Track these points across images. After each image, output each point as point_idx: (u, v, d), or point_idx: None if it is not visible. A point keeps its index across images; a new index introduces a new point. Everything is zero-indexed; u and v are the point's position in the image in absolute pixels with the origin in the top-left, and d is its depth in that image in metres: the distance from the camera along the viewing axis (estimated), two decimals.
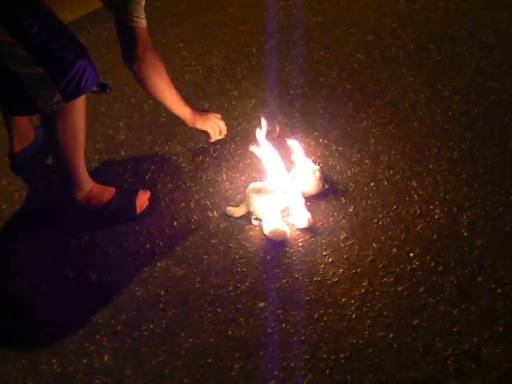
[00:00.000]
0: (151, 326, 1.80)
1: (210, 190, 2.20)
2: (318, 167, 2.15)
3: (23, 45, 1.58)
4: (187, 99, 2.47)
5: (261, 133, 2.14)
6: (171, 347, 1.74)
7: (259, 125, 2.19)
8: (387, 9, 3.17)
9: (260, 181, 2.14)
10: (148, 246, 2.02)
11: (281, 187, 2.05)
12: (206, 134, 2.32)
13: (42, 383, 1.70)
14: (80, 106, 1.79)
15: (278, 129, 2.30)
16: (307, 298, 1.83)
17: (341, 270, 1.90)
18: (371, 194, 2.13)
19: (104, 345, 1.77)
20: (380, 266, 1.90)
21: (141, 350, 1.75)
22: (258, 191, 2.03)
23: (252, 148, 2.16)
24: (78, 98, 1.74)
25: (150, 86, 2.03)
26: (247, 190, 2.06)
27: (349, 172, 2.22)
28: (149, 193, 2.13)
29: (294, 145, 2.19)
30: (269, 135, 2.17)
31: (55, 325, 1.85)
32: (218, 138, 2.33)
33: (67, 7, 3.46)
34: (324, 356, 1.68)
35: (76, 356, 1.76)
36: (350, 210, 2.08)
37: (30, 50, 1.60)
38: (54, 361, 1.75)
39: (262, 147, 2.12)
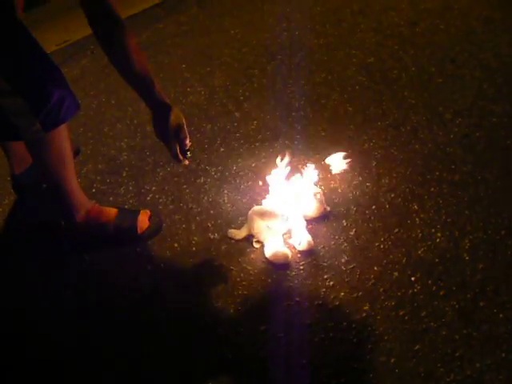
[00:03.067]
0: (152, 348, 1.79)
1: (212, 211, 2.20)
2: (320, 190, 2.15)
3: (3, 75, 1.58)
4: (189, 121, 2.49)
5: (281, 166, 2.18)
6: (173, 371, 1.73)
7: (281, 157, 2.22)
8: (389, 31, 3.19)
9: (262, 204, 2.13)
10: (149, 267, 2.02)
11: (283, 210, 2.05)
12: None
13: None
14: (62, 132, 1.80)
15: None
16: (308, 322, 1.82)
17: (342, 294, 1.89)
18: (372, 217, 2.13)
19: None
20: (381, 289, 1.89)
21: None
22: (260, 214, 2.03)
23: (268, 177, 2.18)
24: (57, 127, 1.74)
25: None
26: (249, 213, 2.06)
27: (350, 195, 2.22)
28: (149, 212, 2.13)
29: (310, 172, 2.22)
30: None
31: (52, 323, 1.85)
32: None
33: (71, 27, 3.49)
34: (325, 380, 1.67)
35: None
36: (352, 233, 2.08)
37: (9, 80, 1.60)
38: None
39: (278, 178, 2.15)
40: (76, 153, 2.26)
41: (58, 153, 1.84)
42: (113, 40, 1.61)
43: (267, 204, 2.12)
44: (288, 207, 2.08)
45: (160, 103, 1.72)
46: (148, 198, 2.28)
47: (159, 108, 1.74)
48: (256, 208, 2.08)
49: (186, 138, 1.83)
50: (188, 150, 1.85)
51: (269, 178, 2.19)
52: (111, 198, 2.29)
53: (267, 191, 2.18)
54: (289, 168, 2.20)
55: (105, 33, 1.60)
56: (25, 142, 1.84)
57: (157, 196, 2.28)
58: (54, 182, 1.93)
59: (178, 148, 1.83)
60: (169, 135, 1.80)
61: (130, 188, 2.33)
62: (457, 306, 1.83)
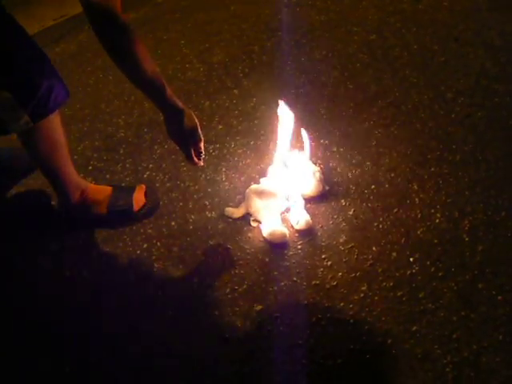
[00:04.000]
0: (148, 329, 1.78)
1: (209, 189, 2.17)
2: (319, 168, 2.12)
3: None
4: (187, 97, 2.47)
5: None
6: (168, 350, 1.72)
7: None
8: (391, 8, 3.14)
9: (260, 182, 2.10)
10: (145, 245, 2.00)
11: (281, 189, 2.02)
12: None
13: None
14: (54, 119, 1.75)
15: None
16: (305, 302, 1.80)
17: (340, 274, 1.87)
18: (372, 197, 2.11)
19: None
20: (379, 270, 1.88)
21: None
22: (258, 193, 2.01)
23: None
24: (46, 117, 1.70)
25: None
26: (247, 191, 2.04)
27: (349, 174, 2.20)
28: (144, 187, 2.09)
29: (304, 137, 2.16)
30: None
31: (47, 326, 1.83)
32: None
33: (68, 1, 3.43)
34: (321, 361, 1.66)
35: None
36: (350, 212, 2.06)
37: None
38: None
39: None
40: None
41: (50, 141, 1.80)
42: (122, 51, 1.50)
43: (265, 183, 2.09)
44: (286, 186, 2.05)
45: (172, 107, 1.64)
46: (145, 176, 2.25)
47: (171, 112, 1.66)
48: (254, 186, 2.06)
49: (200, 140, 1.78)
50: (202, 152, 1.82)
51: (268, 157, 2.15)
52: (108, 176, 2.26)
53: (266, 169, 2.15)
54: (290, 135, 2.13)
55: (113, 44, 1.48)
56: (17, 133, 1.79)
57: (154, 174, 2.25)
58: (48, 169, 1.90)
59: (192, 151, 1.79)
60: (183, 139, 1.76)
61: (127, 165, 2.30)
62: (455, 288, 1.81)
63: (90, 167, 2.31)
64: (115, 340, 1.75)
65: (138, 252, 1.99)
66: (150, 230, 2.05)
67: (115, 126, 2.50)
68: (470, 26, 2.96)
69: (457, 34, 2.91)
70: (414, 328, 1.72)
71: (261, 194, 2.01)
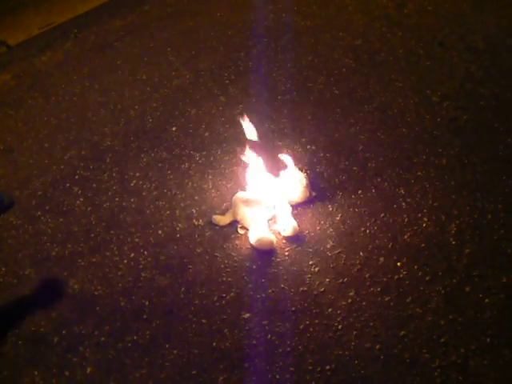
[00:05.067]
0: (135, 338, 1.77)
1: (196, 197, 2.17)
2: (305, 174, 2.12)
3: None
4: (174, 105, 2.46)
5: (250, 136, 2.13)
6: (155, 359, 1.71)
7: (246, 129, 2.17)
8: (376, 13, 3.15)
9: (246, 189, 2.10)
10: (132, 255, 2.00)
11: (267, 196, 2.02)
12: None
13: None
14: None
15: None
16: (293, 309, 1.80)
17: (327, 280, 1.87)
18: (359, 202, 2.11)
19: (87, 356, 1.74)
20: (367, 275, 1.88)
21: (124, 361, 1.72)
22: (245, 200, 2.01)
23: (243, 156, 2.12)
24: None
25: None
26: (234, 199, 2.04)
27: (336, 179, 2.20)
28: None
29: (285, 159, 2.16)
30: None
31: (36, 336, 1.81)
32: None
33: (55, 10, 3.43)
34: (310, 368, 1.65)
35: (58, 368, 1.73)
36: (337, 218, 2.06)
37: None
38: (35, 373, 1.73)
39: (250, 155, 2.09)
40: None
41: None
42: None
43: (252, 190, 2.09)
44: (272, 193, 2.05)
45: None
46: (132, 185, 2.24)
47: None
48: (240, 194, 2.06)
49: None
50: None
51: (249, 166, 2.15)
52: (94, 185, 2.25)
53: (251, 177, 2.14)
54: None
55: None
56: None
57: (140, 182, 2.25)
58: None
59: None
60: None
61: (114, 174, 2.29)
62: (442, 292, 1.81)
63: (77, 176, 2.30)
64: (100, 348, 1.74)
65: (125, 261, 1.98)
66: (137, 239, 2.05)
67: (101, 135, 2.50)
68: (455, 30, 2.97)
69: (441, 38, 2.92)
70: (402, 333, 1.72)
71: (247, 201, 2.01)
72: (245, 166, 2.17)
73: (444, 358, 1.65)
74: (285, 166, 2.15)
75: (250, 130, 2.15)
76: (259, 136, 2.21)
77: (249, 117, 2.26)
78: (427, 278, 1.86)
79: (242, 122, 2.15)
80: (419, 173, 2.21)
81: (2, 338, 1.81)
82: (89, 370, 1.72)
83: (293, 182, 2.08)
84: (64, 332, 1.81)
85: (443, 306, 1.78)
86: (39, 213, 2.18)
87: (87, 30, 3.22)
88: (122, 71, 2.85)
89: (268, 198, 2.03)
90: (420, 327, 1.73)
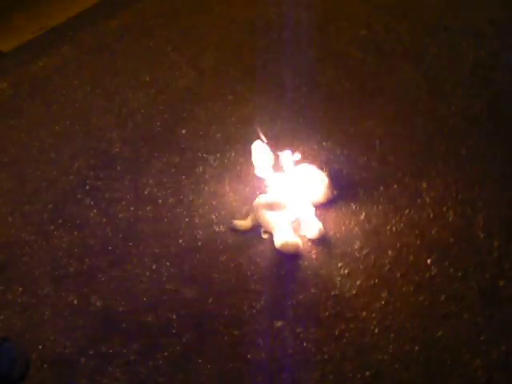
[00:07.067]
0: (165, 354, 1.72)
1: (214, 202, 2.11)
2: (325, 173, 2.07)
3: None
4: (182, 106, 2.39)
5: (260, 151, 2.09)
6: (189, 375, 1.67)
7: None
8: (377, 1, 3.07)
9: (266, 192, 2.04)
10: (154, 266, 1.94)
11: (289, 198, 1.97)
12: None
13: None
14: None
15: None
16: (326, 314, 1.76)
17: (358, 282, 1.83)
18: (382, 199, 2.06)
19: (118, 377, 1.69)
20: (398, 274, 1.83)
21: (157, 380, 1.67)
22: (266, 205, 1.95)
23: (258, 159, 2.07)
24: None
25: None
26: (254, 204, 1.98)
27: (356, 176, 2.15)
28: None
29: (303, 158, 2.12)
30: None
31: (61, 358, 1.75)
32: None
33: (47, 12, 3.33)
34: (350, 375, 1.62)
35: None
36: (362, 216, 2.01)
37: None
38: None
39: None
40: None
41: None
42: None
43: (272, 193, 2.03)
44: (294, 194, 1.99)
45: None
46: (146, 192, 2.18)
47: None
48: (261, 198, 2.00)
49: None
50: None
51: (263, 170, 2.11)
52: (107, 195, 2.18)
53: (270, 179, 2.08)
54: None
55: None
56: None
57: (155, 190, 2.18)
58: None
59: None
60: None
61: (126, 182, 2.22)
62: (476, 288, 1.78)
63: (88, 187, 2.23)
64: (131, 368, 1.69)
65: (148, 274, 1.92)
66: (157, 250, 1.99)
67: (109, 142, 2.42)
68: (459, 15, 2.91)
69: (446, 23, 2.86)
70: (440, 333, 1.68)
71: (269, 205, 1.95)
72: (261, 168, 2.11)
73: (485, 356, 1.62)
74: (303, 166, 2.09)
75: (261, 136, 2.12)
76: (273, 136, 2.15)
77: (259, 116, 2.21)
78: (459, 274, 1.82)
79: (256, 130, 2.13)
80: (439, 165, 2.16)
81: (25, 362, 1.74)
82: None
83: (314, 181, 2.02)
84: (91, 352, 1.75)
85: (479, 303, 1.74)
86: (52, 227, 2.11)
87: (83, 31, 3.12)
88: (123, 73, 2.76)
89: (290, 200, 1.97)
90: (457, 326, 1.70)
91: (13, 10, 3.38)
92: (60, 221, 2.14)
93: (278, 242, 1.91)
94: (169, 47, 2.93)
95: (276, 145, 2.15)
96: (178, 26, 3.07)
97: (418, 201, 2.04)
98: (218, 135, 2.38)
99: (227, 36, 2.96)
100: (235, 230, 2.01)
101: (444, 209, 2.01)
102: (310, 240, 1.95)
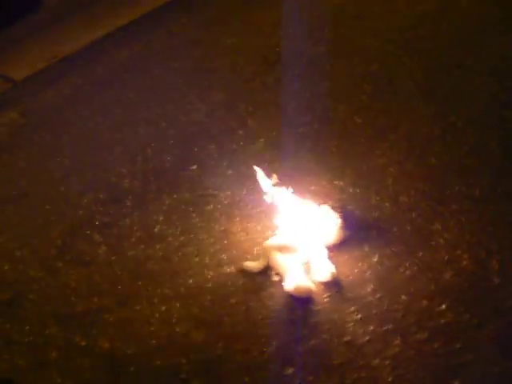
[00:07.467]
0: None
1: (225, 241, 2.08)
2: (338, 214, 2.04)
3: None
4: (192, 140, 2.38)
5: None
6: None
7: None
8: (388, 35, 3.07)
9: (277, 234, 2.02)
10: (163, 308, 1.90)
11: (301, 240, 1.94)
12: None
13: None
14: None
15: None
16: (339, 361, 1.71)
17: (371, 328, 1.79)
18: (395, 240, 2.03)
19: None
20: (412, 320, 1.79)
21: None
22: (277, 247, 1.92)
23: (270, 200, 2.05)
24: None
25: None
26: (265, 246, 1.96)
27: (369, 216, 2.12)
28: None
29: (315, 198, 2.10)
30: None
31: None
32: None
33: (58, 41, 3.38)
34: None
35: None
36: (375, 259, 1.97)
37: None
38: None
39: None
40: None
41: None
42: None
43: (283, 234, 2.00)
44: (306, 236, 1.96)
45: None
46: (156, 230, 2.15)
47: None
48: (272, 240, 1.98)
49: None
50: None
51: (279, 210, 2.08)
52: (116, 231, 2.16)
53: (281, 220, 2.06)
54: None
55: None
56: None
57: (165, 227, 2.16)
58: None
59: None
60: None
61: (136, 219, 2.20)
62: (492, 336, 1.73)
63: (97, 222, 2.22)
64: None
65: (157, 315, 1.89)
66: (166, 290, 1.96)
67: (119, 176, 2.41)
68: (471, 52, 2.90)
69: (459, 59, 2.85)
70: (455, 383, 1.63)
71: (281, 247, 1.93)
72: (273, 207, 2.09)
73: None
74: (315, 206, 2.07)
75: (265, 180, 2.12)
76: (285, 175, 2.13)
77: (271, 154, 2.19)
78: (475, 322, 1.77)
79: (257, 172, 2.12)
80: (453, 206, 2.13)
81: None
82: None
83: (326, 222, 2.00)
84: None
85: (495, 352, 1.69)
86: (60, 264, 2.09)
87: (94, 61, 3.14)
88: (134, 105, 2.77)
89: (302, 241, 1.94)
90: (473, 376, 1.65)
91: (26, 38, 3.40)
92: (68, 257, 2.12)
93: (290, 285, 1.88)
94: (180, 80, 2.93)
95: (286, 182, 2.13)
96: (188, 59, 3.08)
97: (432, 243, 2.01)
98: (229, 172, 2.36)
99: (237, 69, 2.97)
100: (246, 271, 1.97)
101: (458, 252, 1.97)
102: (322, 283, 1.92)
